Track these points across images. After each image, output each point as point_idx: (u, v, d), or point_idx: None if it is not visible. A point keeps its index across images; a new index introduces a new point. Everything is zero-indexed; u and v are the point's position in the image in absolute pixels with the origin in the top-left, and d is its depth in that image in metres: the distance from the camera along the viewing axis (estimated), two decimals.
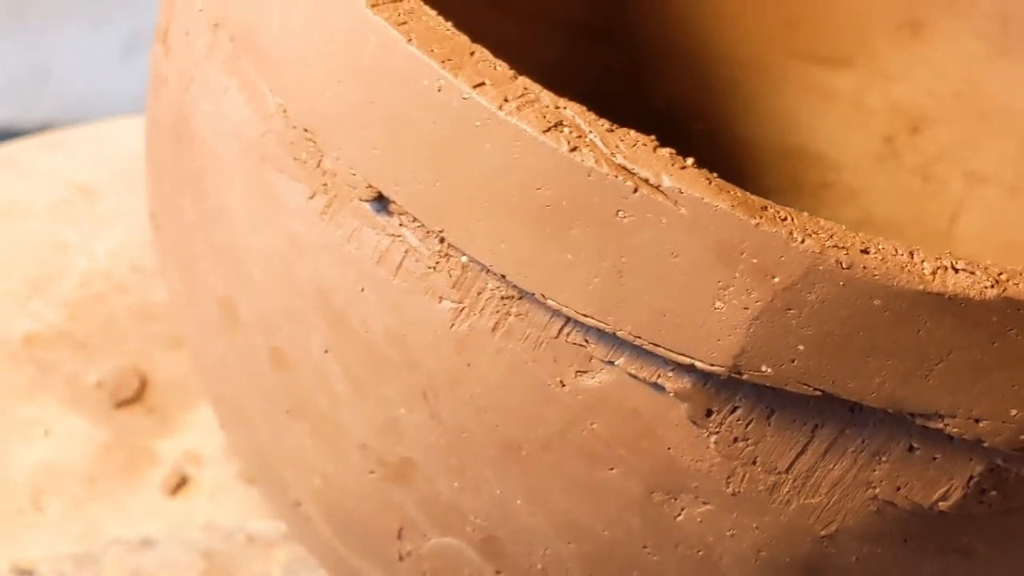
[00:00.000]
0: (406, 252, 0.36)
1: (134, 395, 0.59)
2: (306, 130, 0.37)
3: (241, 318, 0.40)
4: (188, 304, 0.44)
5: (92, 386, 0.59)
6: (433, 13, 0.34)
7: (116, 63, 1.13)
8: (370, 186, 0.36)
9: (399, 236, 0.36)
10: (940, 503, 0.35)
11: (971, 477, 0.34)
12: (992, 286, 0.32)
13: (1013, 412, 0.33)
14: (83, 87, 1.13)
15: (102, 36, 1.11)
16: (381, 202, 0.36)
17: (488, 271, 0.35)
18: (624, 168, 0.32)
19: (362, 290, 0.37)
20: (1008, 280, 0.32)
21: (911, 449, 0.34)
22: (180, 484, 0.56)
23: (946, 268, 0.32)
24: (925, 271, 0.32)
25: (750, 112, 0.69)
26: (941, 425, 0.33)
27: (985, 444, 0.33)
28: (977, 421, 0.33)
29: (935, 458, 0.34)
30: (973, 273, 0.32)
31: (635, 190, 0.32)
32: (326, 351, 0.38)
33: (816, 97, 0.69)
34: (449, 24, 0.34)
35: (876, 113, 0.68)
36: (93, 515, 0.54)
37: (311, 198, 0.37)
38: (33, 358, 0.59)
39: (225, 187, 0.40)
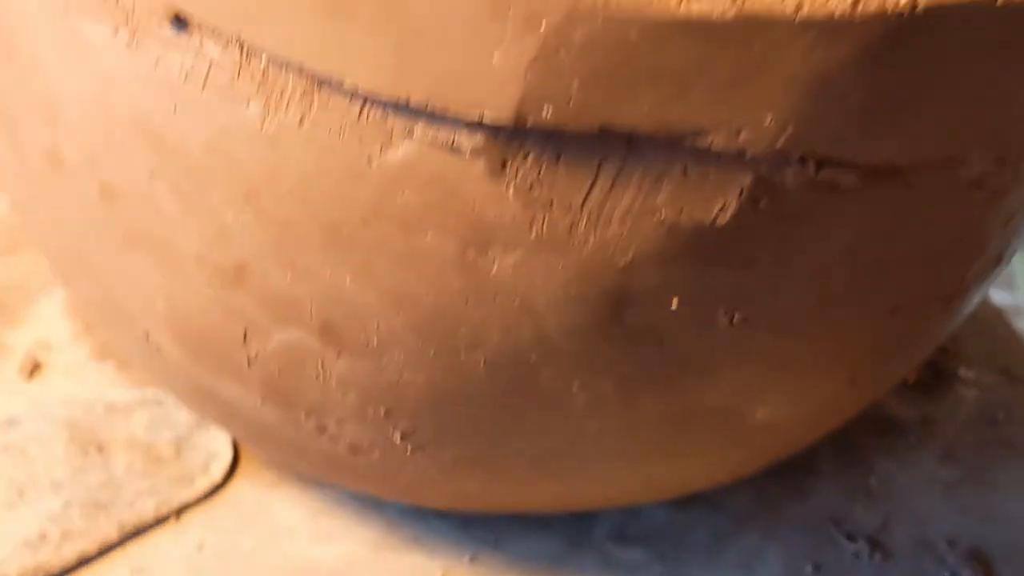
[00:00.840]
0: (210, 65, 0.39)
1: None
2: None
3: (67, 162, 0.43)
4: (16, 166, 0.46)
5: None
6: None
7: None
8: (168, 6, 0.39)
9: (201, 52, 0.39)
10: (719, 218, 0.39)
11: (742, 189, 0.38)
12: (731, 7, 0.36)
13: (767, 118, 0.37)
14: None
15: None
16: (180, 22, 0.39)
17: (287, 66, 0.38)
18: None
19: (175, 109, 0.40)
20: (744, 1, 0.36)
21: (686, 171, 0.38)
22: (35, 368, 0.58)
23: None
24: (671, 2, 0.35)
25: None
26: (708, 142, 0.37)
27: (748, 154, 0.37)
28: (738, 132, 0.37)
29: (708, 176, 0.38)
30: None
31: None
32: (151, 174, 0.41)
33: None
34: None
35: None
36: None
37: (116, 34, 0.40)
38: None
39: (34, 42, 0.42)
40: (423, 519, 0.55)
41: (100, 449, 0.54)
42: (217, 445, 0.55)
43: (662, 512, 0.57)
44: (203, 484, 0.54)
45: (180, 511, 0.53)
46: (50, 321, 0.61)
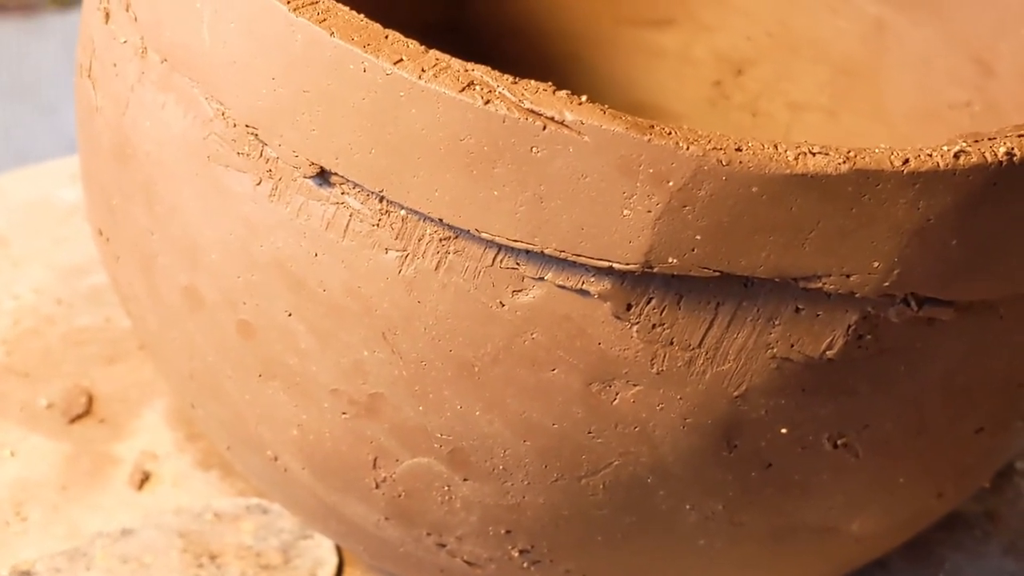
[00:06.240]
0: (351, 215, 0.42)
1: (84, 410, 0.64)
2: (247, 126, 0.42)
3: (205, 300, 0.46)
4: (150, 300, 0.49)
5: (44, 408, 0.64)
6: (346, 8, 0.41)
7: None
8: (312, 163, 0.42)
9: (342, 203, 0.42)
10: (827, 352, 0.41)
11: (849, 326, 0.41)
12: (844, 162, 0.38)
13: (875, 264, 0.40)
14: None
15: None
16: (323, 176, 0.42)
17: (426, 218, 0.41)
18: (532, 111, 0.38)
19: (316, 255, 0.43)
20: (856, 156, 0.39)
21: (798, 310, 0.41)
22: (144, 479, 0.61)
23: (806, 153, 0.39)
24: (789, 158, 0.38)
25: (592, 79, 0.76)
26: (820, 284, 0.40)
27: (856, 295, 0.40)
28: (848, 276, 0.40)
29: (818, 314, 0.41)
30: (827, 154, 0.39)
31: (544, 128, 0.38)
32: (289, 314, 0.44)
33: (647, 56, 0.76)
34: (361, 16, 0.41)
35: (703, 62, 0.76)
36: (73, 516, 0.59)
37: (258, 184, 0.43)
38: None
39: (175, 189, 0.45)
40: None
41: (212, 558, 0.57)
42: (322, 552, 0.58)
43: None
44: None
45: None
46: (154, 431, 0.63)
